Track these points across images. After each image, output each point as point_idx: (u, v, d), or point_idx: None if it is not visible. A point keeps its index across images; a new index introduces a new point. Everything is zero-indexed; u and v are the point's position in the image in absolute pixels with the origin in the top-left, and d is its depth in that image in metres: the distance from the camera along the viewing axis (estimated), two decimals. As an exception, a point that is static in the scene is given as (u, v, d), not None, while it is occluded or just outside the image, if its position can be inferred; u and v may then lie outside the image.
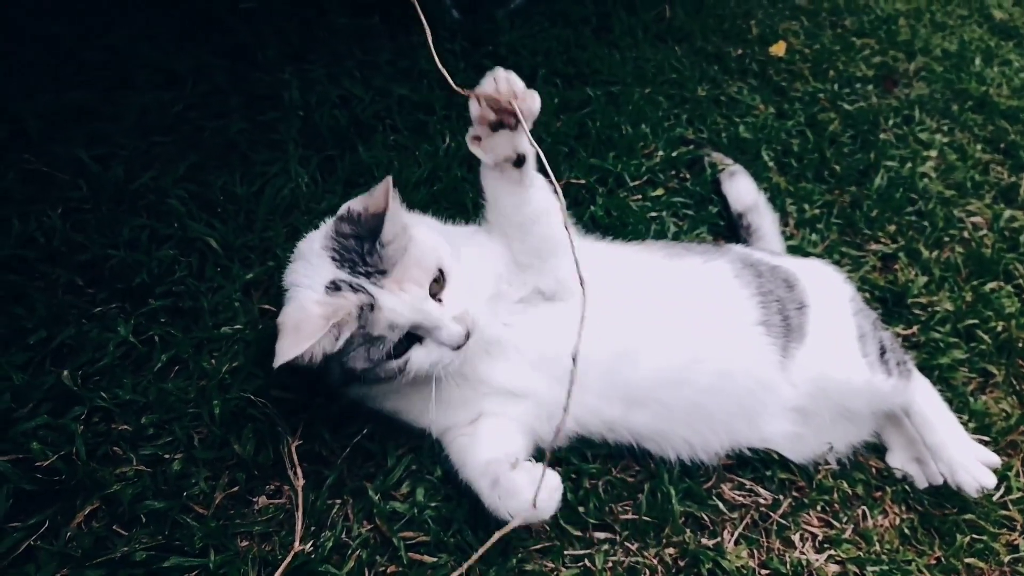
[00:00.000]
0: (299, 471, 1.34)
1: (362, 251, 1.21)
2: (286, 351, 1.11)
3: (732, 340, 1.44)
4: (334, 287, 1.19)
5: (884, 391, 1.50)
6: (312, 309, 1.15)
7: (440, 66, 1.24)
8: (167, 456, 1.32)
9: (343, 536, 1.29)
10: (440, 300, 1.24)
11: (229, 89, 2.00)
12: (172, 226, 1.63)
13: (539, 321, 1.37)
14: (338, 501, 1.34)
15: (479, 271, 1.34)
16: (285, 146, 1.89)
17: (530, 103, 1.23)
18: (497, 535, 1.13)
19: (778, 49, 2.76)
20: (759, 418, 1.48)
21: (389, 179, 1.24)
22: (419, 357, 1.24)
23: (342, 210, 1.29)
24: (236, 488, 1.32)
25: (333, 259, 1.22)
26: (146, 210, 1.66)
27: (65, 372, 1.35)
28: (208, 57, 2.07)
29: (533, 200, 1.32)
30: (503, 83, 1.22)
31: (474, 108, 1.26)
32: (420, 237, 1.27)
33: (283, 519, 1.31)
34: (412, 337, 1.24)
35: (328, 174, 1.87)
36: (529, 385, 1.36)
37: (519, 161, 1.28)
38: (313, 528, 1.29)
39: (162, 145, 1.84)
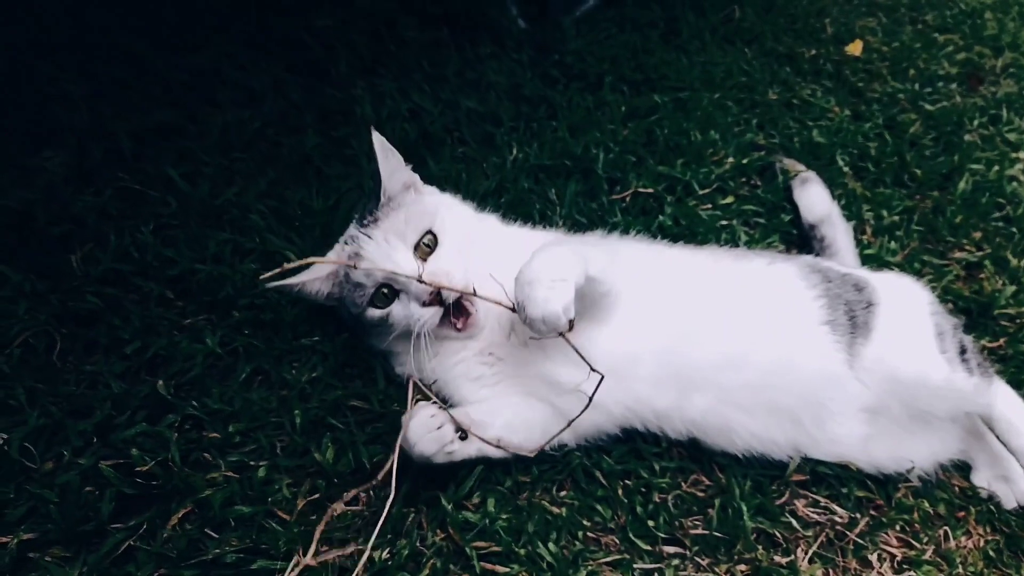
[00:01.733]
0: (393, 483, 1.34)
1: (372, 207, 1.42)
2: (286, 279, 1.40)
3: (795, 334, 1.42)
4: (344, 241, 1.43)
5: (965, 390, 1.43)
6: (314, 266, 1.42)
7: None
8: (252, 463, 1.39)
9: (418, 544, 1.33)
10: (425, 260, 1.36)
11: (304, 105, 2.08)
12: (254, 240, 1.70)
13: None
14: (412, 510, 1.38)
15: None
16: (358, 160, 1.95)
17: None
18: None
19: (854, 48, 2.67)
20: (827, 415, 1.43)
21: (374, 135, 1.43)
22: (396, 311, 1.37)
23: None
24: (317, 495, 1.37)
25: (355, 218, 1.46)
26: (230, 225, 1.74)
27: (160, 382, 1.43)
28: (284, 74, 2.15)
29: None
30: None
31: None
32: (422, 200, 1.44)
33: (360, 526, 1.36)
34: (395, 291, 1.37)
35: (400, 187, 1.92)
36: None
37: None
38: (389, 536, 1.33)
39: (242, 161, 1.92)
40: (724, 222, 1.97)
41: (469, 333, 1.39)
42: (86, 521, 1.27)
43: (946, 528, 1.47)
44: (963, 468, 1.58)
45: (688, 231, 1.90)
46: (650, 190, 2.00)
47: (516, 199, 1.91)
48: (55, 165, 1.81)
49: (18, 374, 1.44)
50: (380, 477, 1.34)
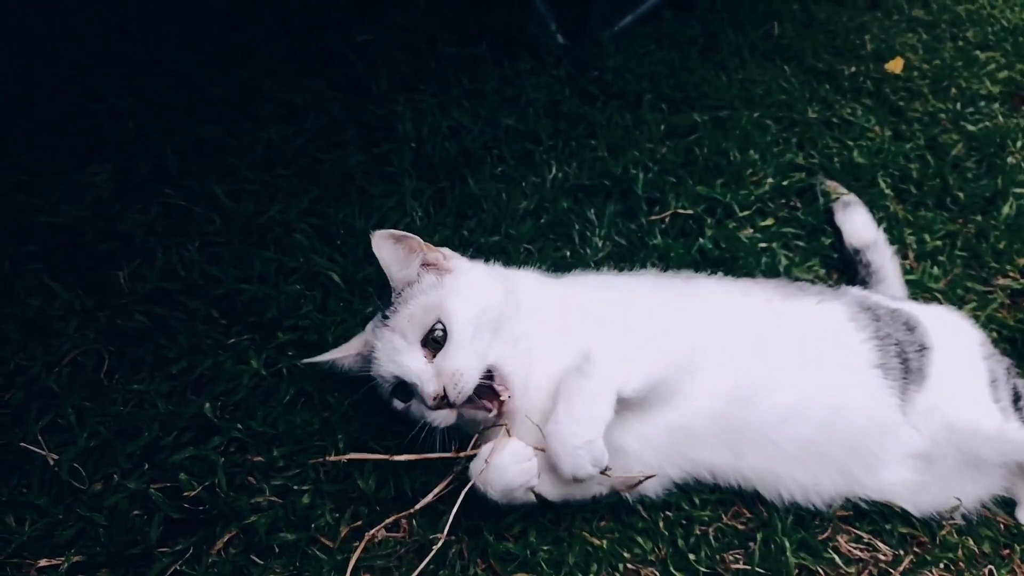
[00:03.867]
0: (449, 522, 1.34)
1: (387, 302, 1.35)
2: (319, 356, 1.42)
3: (847, 381, 1.41)
4: (373, 329, 1.37)
5: (1018, 441, 1.42)
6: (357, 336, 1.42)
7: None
8: (295, 487, 1.40)
9: (460, 574, 1.33)
10: (433, 356, 1.27)
11: (345, 121, 2.08)
12: (298, 260, 1.71)
13: None
14: (453, 538, 1.38)
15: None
16: (399, 178, 1.95)
17: None
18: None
19: (895, 66, 2.63)
20: (877, 463, 1.43)
21: (375, 234, 1.34)
22: (415, 408, 1.31)
23: None
24: (359, 522, 1.38)
25: (380, 309, 1.38)
26: (274, 243, 1.76)
27: (207, 404, 1.45)
28: (325, 90, 2.15)
29: None
30: None
31: None
32: (431, 289, 1.32)
33: (402, 553, 1.36)
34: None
35: (439, 206, 1.92)
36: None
37: None
38: (431, 566, 1.34)
39: (285, 178, 1.93)
40: (764, 245, 1.95)
41: (503, 419, 1.29)
42: (134, 544, 1.29)
43: (991, 567, 1.44)
44: (1008, 504, 1.55)
45: (729, 255, 1.88)
46: (690, 211, 1.99)
47: (555, 219, 1.91)
48: (102, 181, 1.83)
49: (67, 393, 1.47)
50: (419, 507, 1.35)
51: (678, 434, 1.38)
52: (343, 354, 1.41)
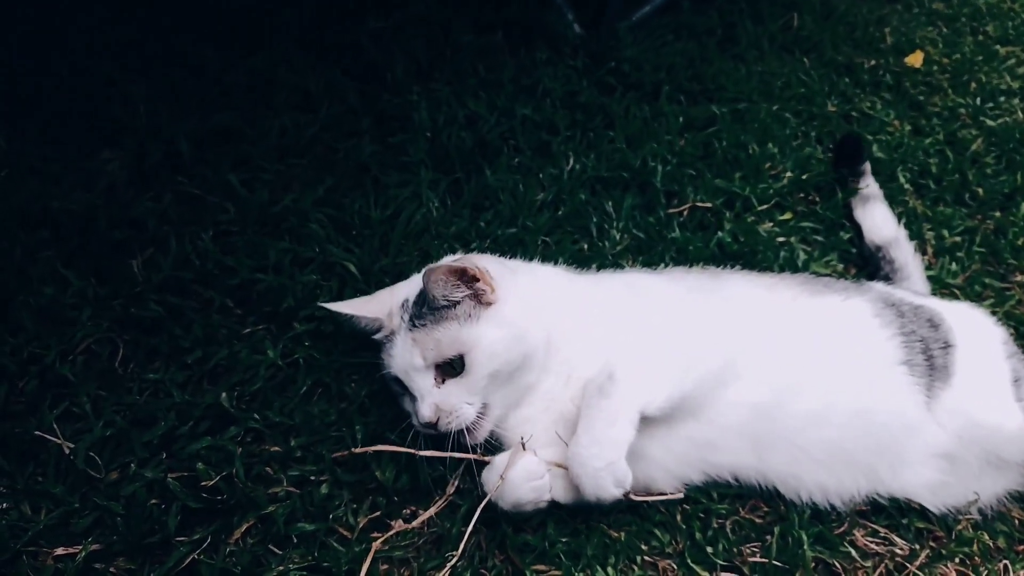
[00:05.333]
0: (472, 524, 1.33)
1: (425, 301, 1.33)
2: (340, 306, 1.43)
3: (873, 379, 1.39)
4: (404, 303, 1.37)
5: None
6: (380, 293, 1.45)
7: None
8: (313, 478, 1.39)
9: (478, 567, 1.32)
10: (443, 381, 1.30)
11: (360, 110, 2.06)
12: (313, 250, 1.70)
13: None
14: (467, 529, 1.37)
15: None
16: (415, 168, 1.93)
17: None
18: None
19: (914, 59, 2.60)
20: (901, 464, 1.42)
21: (435, 269, 1.30)
22: (406, 403, 1.37)
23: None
24: (377, 512, 1.37)
25: (420, 286, 1.35)
26: (289, 233, 1.74)
27: (223, 394, 1.43)
28: (340, 78, 2.13)
29: None
30: None
31: None
32: (461, 322, 1.30)
33: (420, 544, 1.35)
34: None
35: (456, 197, 1.90)
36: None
37: None
38: (450, 554, 1.33)
39: (299, 167, 1.91)
40: (782, 239, 1.93)
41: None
42: (151, 533, 1.27)
43: (1006, 562, 1.43)
44: (1023, 499, 1.54)
45: (748, 249, 1.87)
46: (708, 204, 1.97)
47: (572, 212, 1.89)
48: (114, 167, 1.82)
49: (82, 381, 1.45)
50: (416, 523, 1.35)
51: (702, 443, 1.38)
52: (363, 312, 1.41)
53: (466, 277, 1.31)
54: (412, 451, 1.36)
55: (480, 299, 1.33)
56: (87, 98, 1.96)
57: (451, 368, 1.30)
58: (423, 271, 1.31)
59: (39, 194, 1.73)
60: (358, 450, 1.38)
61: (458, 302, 1.32)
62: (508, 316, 1.33)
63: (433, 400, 1.29)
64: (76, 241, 1.67)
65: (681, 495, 1.40)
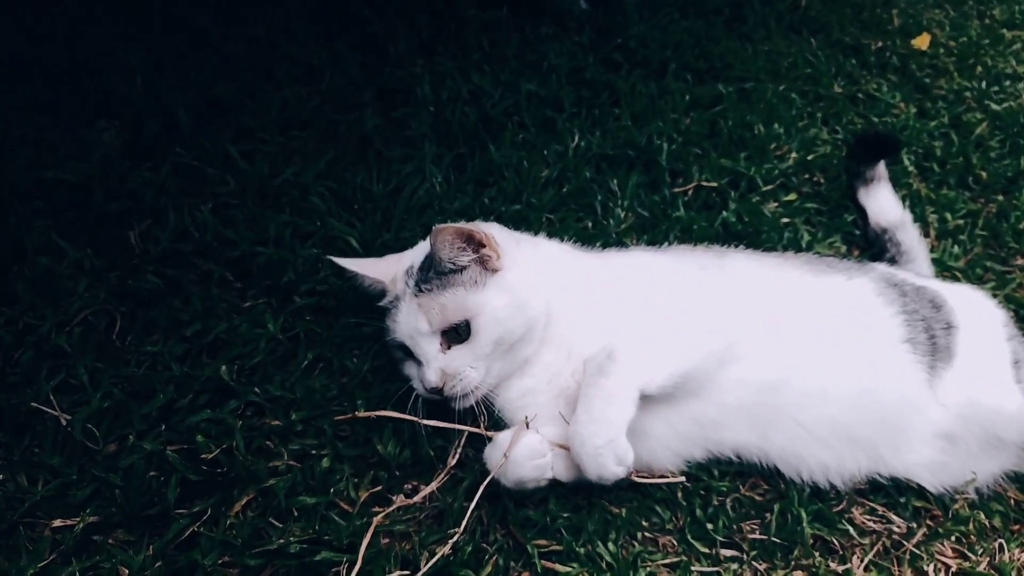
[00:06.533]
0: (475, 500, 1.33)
1: (431, 266, 1.33)
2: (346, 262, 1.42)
3: (876, 357, 1.39)
4: (409, 269, 1.36)
5: None
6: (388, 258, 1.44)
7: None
8: (314, 452, 1.37)
9: (480, 541, 1.32)
10: (448, 347, 1.30)
11: (363, 83, 2.03)
12: (315, 223, 1.67)
13: None
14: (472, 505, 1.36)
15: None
16: (418, 143, 1.91)
17: None
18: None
19: (921, 42, 2.58)
20: (903, 443, 1.41)
21: (441, 229, 1.29)
22: (408, 368, 1.37)
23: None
24: (379, 487, 1.36)
25: (427, 252, 1.35)
26: (289, 206, 1.72)
27: (223, 367, 1.41)
28: (343, 50, 2.10)
29: None
30: None
31: None
32: (467, 288, 1.30)
33: (421, 519, 1.34)
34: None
35: (459, 172, 1.88)
36: None
37: None
38: (452, 531, 1.32)
39: (300, 140, 1.89)
40: (786, 220, 1.92)
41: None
42: (151, 505, 1.26)
43: (1001, 541, 1.44)
44: (1020, 479, 1.55)
45: (752, 229, 1.85)
46: (713, 184, 1.95)
47: (577, 189, 1.87)
48: (111, 138, 1.79)
49: (79, 353, 1.43)
50: (417, 498, 1.34)
51: (705, 421, 1.37)
52: (369, 272, 1.40)
53: (473, 242, 1.31)
54: (416, 419, 1.35)
55: (486, 265, 1.32)
56: (83, 67, 1.92)
57: (456, 334, 1.30)
58: (432, 229, 1.30)
59: (33, 163, 1.70)
60: (361, 414, 1.37)
61: (464, 267, 1.31)
62: (512, 284, 1.33)
63: (439, 364, 1.29)
64: (72, 212, 1.64)
65: (683, 479, 1.40)
